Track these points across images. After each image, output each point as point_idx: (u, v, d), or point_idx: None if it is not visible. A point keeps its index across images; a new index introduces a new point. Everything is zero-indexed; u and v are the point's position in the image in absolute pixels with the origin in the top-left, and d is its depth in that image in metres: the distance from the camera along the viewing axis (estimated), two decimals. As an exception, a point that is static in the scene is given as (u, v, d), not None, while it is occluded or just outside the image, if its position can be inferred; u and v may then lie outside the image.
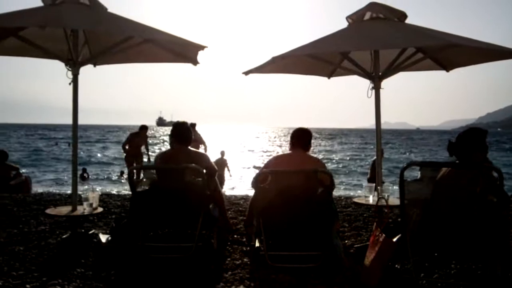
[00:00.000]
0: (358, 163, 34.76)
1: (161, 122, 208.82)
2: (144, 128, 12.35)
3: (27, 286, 3.66)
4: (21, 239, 4.99)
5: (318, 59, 5.49)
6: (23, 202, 7.28)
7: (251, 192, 10.32)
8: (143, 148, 12.48)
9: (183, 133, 4.93)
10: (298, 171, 4.23)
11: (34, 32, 5.18)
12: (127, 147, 12.15)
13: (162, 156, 5.18)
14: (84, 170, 22.03)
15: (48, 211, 4.87)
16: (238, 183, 19.12)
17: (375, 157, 6.10)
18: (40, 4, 4.96)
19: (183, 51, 5.45)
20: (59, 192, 9.79)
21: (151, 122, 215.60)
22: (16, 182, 9.94)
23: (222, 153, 16.10)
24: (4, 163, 10.28)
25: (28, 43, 5.07)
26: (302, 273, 3.83)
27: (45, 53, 5.15)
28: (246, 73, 5.17)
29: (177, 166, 4.52)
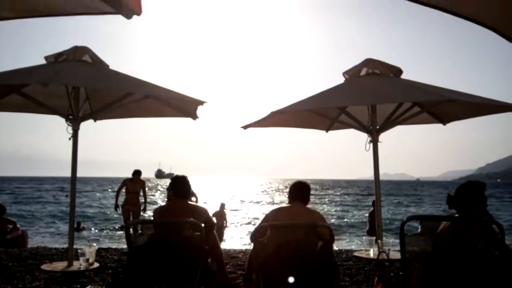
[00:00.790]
0: (358, 214, 34.51)
1: (160, 174, 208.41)
2: (137, 173, 11.68)
3: None
4: (15, 296, 4.90)
5: (316, 113, 5.57)
6: (19, 257, 7.17)
7: (249, 246, 10.20)
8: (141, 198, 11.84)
9: (182, 187, 4.92)
10: (297, 225, 4.20)
11: (36, 89, 5.28)
12: (123, 193, 11.56)
13: (160, 210, 5.16)
14: (79, 224, 21.87)
15: (43, 266, 4.79)
16: (236, 236, 18.91)
17: (372, 208, 6.08)
18: (43, 61, 5.09)
19: (182, 106, 5.54)
20: (56, 247, 9.65)
21: (150, 174, 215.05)
22: (12, 237, 9.86)
23: (222, 206, 16.02)
24: (2, 217, 10.22)
25: (30, 99, 5.15)
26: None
27: (46, 109, 5.23)
28: (245, 127, 5.23)
29: (175, 220, 4.49)
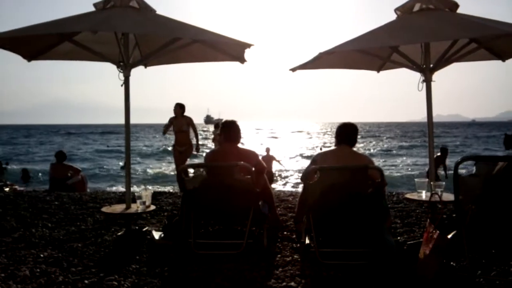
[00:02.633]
0: (409, 158, 33.98)
1: (208, 120, 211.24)
2: (177, 107, 10.02)
3: (86, 281, 3.81)
4: (79, 236, 5.19)
5: (366, 53, 5.40)
6: (80, 200, 7.56)
7: (299, 189, 10.28)
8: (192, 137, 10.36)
9: (232, 131, 4.98)
10: (348, 167, 4.18)
11: (87, 36, 5.37)
12: (170, 132, 10.17)
13: (211, 154, 5.25)
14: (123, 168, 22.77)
15: (103, 209, 5.04)
16: (286, 180, 19.13)
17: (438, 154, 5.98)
18: (92, 9, 5.14)
19: (230, 50, 5.51)
20: (114, 191, 10.09)
21: (199, 120, 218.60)
22: (73, 182, 10.39)
23: (267, 150, 16.20)
24: (62, 164, 10.75)
25: (81, 47, 5.25)
26: (354, 270, 3.79)
27: (98, 56, 5.32)
28: (293, 69, 5.16)
29: (226, 164, 4.57)
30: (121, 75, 5.18)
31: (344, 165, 4.24)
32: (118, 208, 5.03)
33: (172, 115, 9.82)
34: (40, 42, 5.46)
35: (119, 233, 5.07)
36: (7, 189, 11.58)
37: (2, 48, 5.20)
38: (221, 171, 4.58)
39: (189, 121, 10.12)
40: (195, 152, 10.46)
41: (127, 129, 5.15)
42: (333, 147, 4.71)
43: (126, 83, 5.14)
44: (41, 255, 4.50)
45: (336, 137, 4.63)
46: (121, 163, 22.45)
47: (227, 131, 5.01)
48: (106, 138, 68.28)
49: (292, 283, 3.63)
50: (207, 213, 4.54)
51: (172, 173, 22.05)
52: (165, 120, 10.05)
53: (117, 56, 5.26)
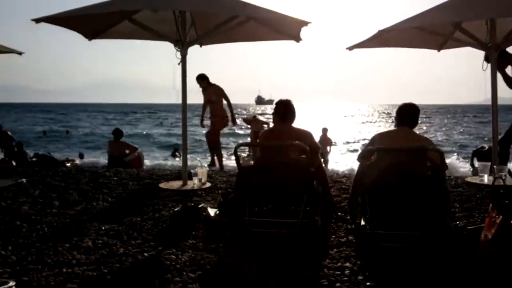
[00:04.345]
0: (472, 143, 32.78)
1: (260, 100, 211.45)
2: (199, 79, 9.23)
3: (145, 254, 3.94)
4: (137, 211, 5.36)
5: (427, 31, 5.20)
6: (137, 176, 7.79)
7: (353, 170, 10.16)
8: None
9: (287, 111, 4.95)
10: (407, 148, 4.08)
11: (145, 16, 5.45)
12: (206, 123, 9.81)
13: (266, 133, 5.26)
14: (176, 150, 23.12)
15: (161, 185, 5.17)
16: (339, 161, 18.94)
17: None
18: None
19: (286, 28, 5.45)
20: (169, 168, 10.33)
21: (249, 100, 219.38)
22: (130, 159, 10.72)
23: (324, 131, 16.00)
24: (119, 141, 11.10)
25: (140, 26, 5.34)
26: (411, 253, 3.72)
27: (156, 35, 5.40)
28: (350, 48, 5.05)
29: (281, 143, 4.56)
30: (178, 54, 5.24)
31: (402, 146, 4.14)
32: (175, 184, 5.15)
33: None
34: (101, 21, 5.59)
35: (176, 209, 5.19)
36: (68, 164, 12.10)
37: (65, 27, 5.38)
38: (276, 150, 4.58)
39: (217, 90, 9.33)
40: (231, 124, 9.85)
41: (184, 107, 5.23)
42: (392, 128, 4.60)
43: (183, 62, 5.21)
44: (103, 228, 4.68)
45: (396, 118, 4.51)
46: (177, 156, 22.76)
47: (282, 110, 4.98)
48: (158, 117, 69.82)
49: (347, 264, 3.61)
50: (261, 192, 4.56)
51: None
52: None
53: (174, 35, 5.33)
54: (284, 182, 4.41)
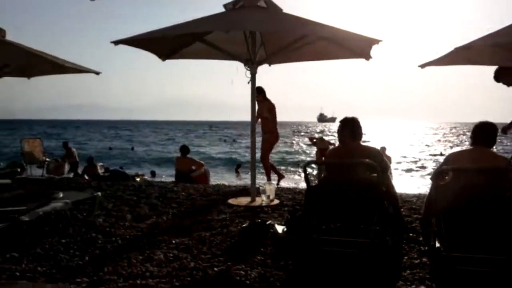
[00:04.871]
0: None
1: (322, 118, 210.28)
2: (258, 90, 8.15)
3: (215, 269, 4.00)
4: (206, 226, 5.46)
5: (508, 48, 5.00)
6: (204, 192, 7.94)
7: (423, 190, 9.84)
8: None
9: (355, 128, 4.89)
10: (486, 169, 3.91)
11: (216, 36, 5.62)
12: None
13: (333, 151, 5.23)
14: (239, 166, 23.36)
15: (230, 201, 5.26)
16: (407, 181, 18.44)
17: None
18: (222, 9, 5.37)
19: (356, 47, 5.43)
20: (234, 184, 10.45)
21: (311, 118, 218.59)
22: (196, 175, 10.96)
23: (383, 149, 15.73)
24: (186, 157, 11.39)
25: (212, 46, 5.52)
26: (489, 277, 3.54)
27: (227, 55, 5.55)
28: (423, 66, 4.95)
29: (351, 161, 4.51)
30: (248, 72, 5.36)
31: (481, 166, 3.98)
32: (243, 200, 5.22)
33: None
34: (175, 43, 5.83)
35: (244, 225, 5.24)
36: (138, 179, 12.54)
37: (141, 48, 5.64)
38: (345, 168, 4.54)
39: (268, 107, 9.16)
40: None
41: (253, 123, 5.33)
42: (468, 147, 4.44)
43: (253, 81, 5.32)
44: (173, 241, 4.81)
45: (472, 137, 4.34)
46: (239, 173, 23.01)
47: (350, 127, 4.91)
48: (223, 134, 71.01)
49: (422, 287, 3.50)
50: (330, 210, 4.52)
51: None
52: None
53: (244, 54, 5.45)
54: (354, 201, 4.34)
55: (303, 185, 8.68)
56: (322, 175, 5.01)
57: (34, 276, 3.85)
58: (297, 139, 59.32)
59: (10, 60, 6.35)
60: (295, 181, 18.64)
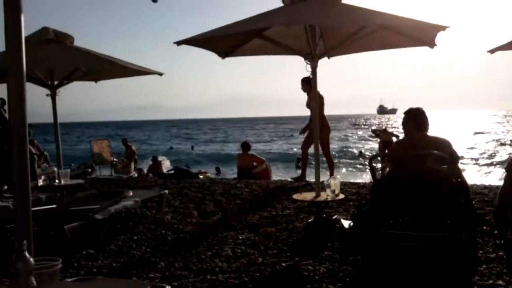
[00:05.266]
0: None
1: (382, 110, 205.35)
2: (303, 81, 8.27)
3: (283, 264, 4.02)
4: (271, 221, 5.49)
5: None
6: (267, 188, 7.99)
7: (497, 182, 9.41)
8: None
9: (422, 119, 4.74)
10: None
11: (275, 32, 5.61)
12: None
13: (400, 143, 5.10)
14: (299, 160, 23.18)
15: (294, 196, 5.26)
16: (476, 172, 17.73)
17: None
18: (280, 4, 5.35)
19: (421, 35, 5.25)
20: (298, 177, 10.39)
21: (371, 110, 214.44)
22: (258, 171, 11.04)
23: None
24: (248, 154, 11.49)
25: (271, 42, 5.51)
26: None
27: (287, 49, 5.53)
28: (492, 51, 4.74)
29: (419, 153, 4.38)
30: (308, 66, 5.32)
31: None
32: (308, 196, 5.20)
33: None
34: (233, 40, 5.87)
35: (309, 220, 5.22)
36: (201, 176, 12.79)
37: (201, 47, 5.73)
38: (413, 160, 4.41)
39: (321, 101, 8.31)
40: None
41: (315, 118, 5.28)
42: None
43: (314, 74, 5.28)
44: (240, 237, 4.87)
45: None
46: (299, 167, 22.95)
47: (415, 118, 4.77)
48: (282, 129, 71.09)
49: (500, 282, 3.35)
50: (398, 204, 4.41)
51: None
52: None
53: (304, 48, 5.41)
54: (423, 194, 4.21)
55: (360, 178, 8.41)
56: (387, 169, 4.91)
57: (109, 272, 4.01)
58: (352, 131, 58.39)
59: (79, 65, 6.64)
60: (349, 174, 18.43)
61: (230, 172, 18.27)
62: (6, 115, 9.52)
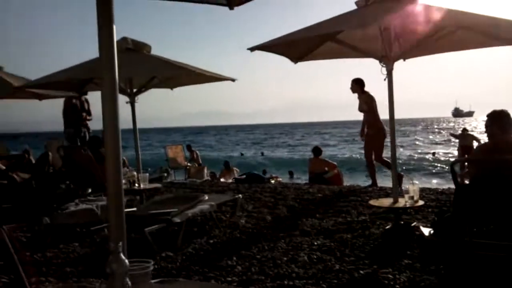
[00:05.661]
0: None
1: (457, 113, 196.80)
2: (353, 82, 8.37)
3: (361, 272, 3.93)
4: (347, 227, 5.40)
5: None
6: (340, 193, 7.88)
7: None
8: None
9: (506, 121, 4.50)
10: None
11: (348, 35, 5.54)
12: None
13: (483, 147, 4.86)
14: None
15: (371, 202, 5.15)
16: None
17: None
18: (354, 7, 5.28)
19: (504, 33, 4.98)
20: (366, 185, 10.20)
21: (445, 113, 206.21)
22: (329, 176, 10.94)
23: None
24: (319, 158, 11.44)
25: (345, 45, 5.45)
26: None
27: (361, 53, 5.44)
28: None
29: (506, 157, 4.16)
30: (384, 69, 5.20)
31: None
32: (386, 201, 5.07)
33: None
34: (305, 44, 5.86)
35: (387, 227, 5.09)
36: (272, 181, 12.84)
37: (274, 53, 5.76)
38: (500, 165, 4.18)
39: (367, 99, 8.33)
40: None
41: (392, 122, 5.15)
42: None
43: (389, 77, 5.15)
44: (315, 243, 4.82)
45: None
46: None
47: (500, 121, 4.54)
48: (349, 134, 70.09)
49: None
50: (483, 211, 4.19)
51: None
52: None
53: (378, 51, 5.30)
54: (510, 201, 3.98)
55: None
56: (469, 175, 4.69)
57: (188, 274, 4.10)
58: (423, 136, 56.36)
59: (157, 73, 6.89)
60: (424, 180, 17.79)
61: (302, 178, 18.18)
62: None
